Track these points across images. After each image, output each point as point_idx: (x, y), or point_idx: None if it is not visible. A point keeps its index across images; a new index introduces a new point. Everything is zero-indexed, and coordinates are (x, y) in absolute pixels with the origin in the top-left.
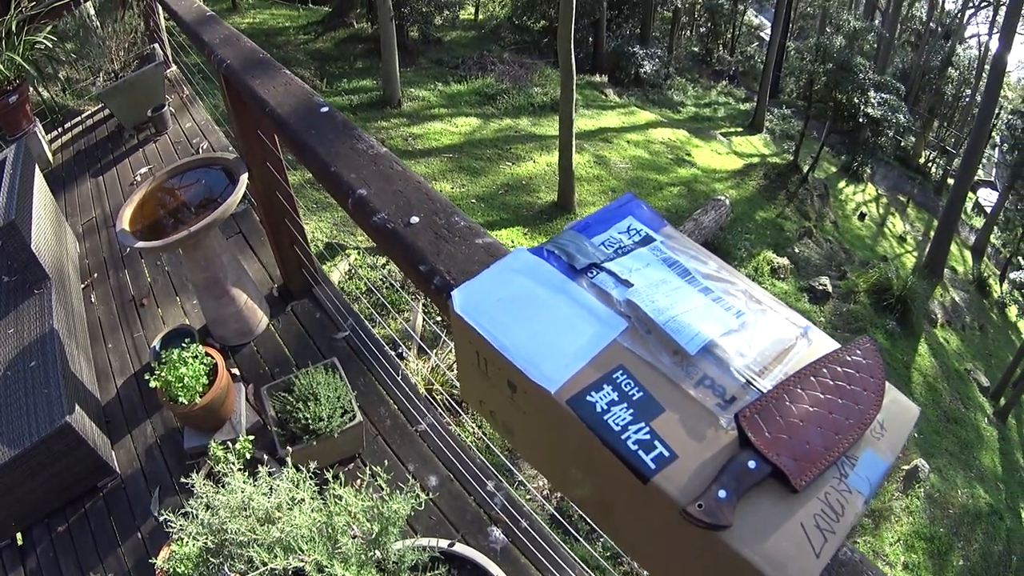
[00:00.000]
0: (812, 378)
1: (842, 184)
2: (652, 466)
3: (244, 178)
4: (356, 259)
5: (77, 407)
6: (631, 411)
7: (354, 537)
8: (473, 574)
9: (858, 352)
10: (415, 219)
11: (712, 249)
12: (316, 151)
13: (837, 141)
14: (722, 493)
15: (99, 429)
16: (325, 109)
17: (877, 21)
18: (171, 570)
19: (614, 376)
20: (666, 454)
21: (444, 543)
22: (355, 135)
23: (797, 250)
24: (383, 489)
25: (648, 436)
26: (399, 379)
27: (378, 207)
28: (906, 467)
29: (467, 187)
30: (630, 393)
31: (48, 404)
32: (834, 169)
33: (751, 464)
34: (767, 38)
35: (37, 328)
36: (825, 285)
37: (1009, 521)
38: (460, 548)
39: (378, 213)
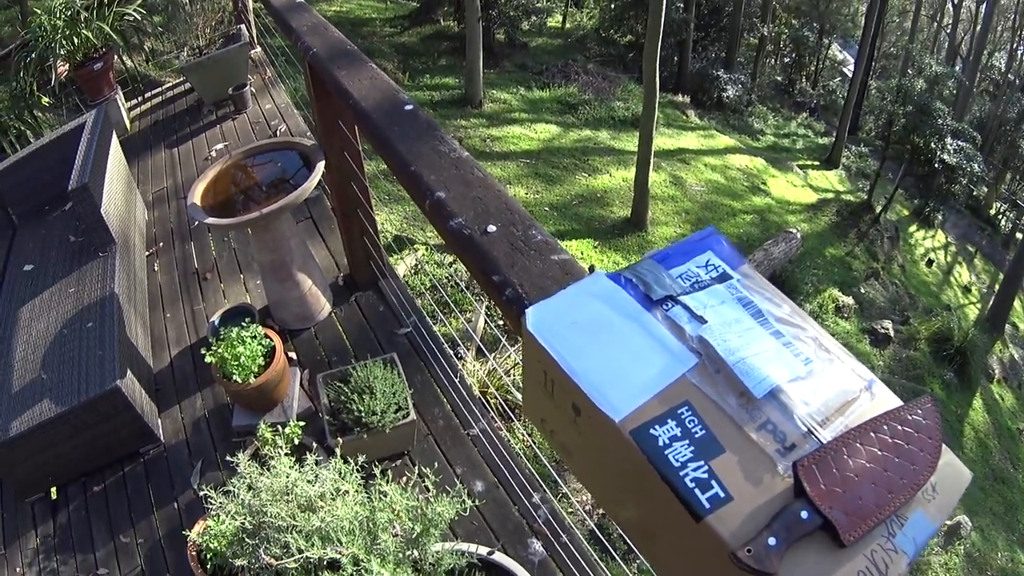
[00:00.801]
0: (872, 434)
1: (913, 228)
2: (707, 505)
3: (321, 165)
4: (424, 254)
5: (129, 372)
6: (692, 448)
7: (395, 535)
8: None
9: (919, 412)
10: (492, 228)
11: (780, 282)
12: (397, 148)
13: (911, 184)
14: (772, 541)
15: (148, 396)
16: (410, 107)
17: (958, 68)
18: (204, 545)
19: (679, 412)
20: (721, 495)
21: (484, 550)
22: (438, 136)
23: (863, 290)
24: (429, 490)
25: (706, 475)
26: (456, 380)
27: (456, 211)
28: (949, 523)
29: (541, 194)
30: (693, 430)
31: (101, 366)
32: (906, 212)
33: (804, 514)
34: (850, 74)
35: (98, 290)
36: (887, 329)
37: None
38: (499, 557)
39: (455, 218)
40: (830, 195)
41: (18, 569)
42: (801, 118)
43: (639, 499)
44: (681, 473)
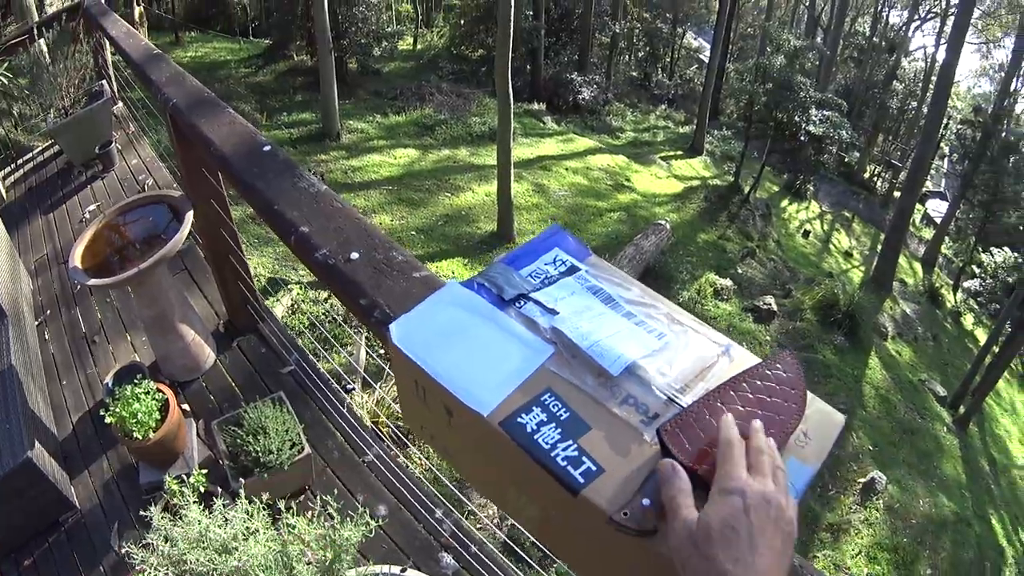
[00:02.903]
0: (732, 392)
1: (785, 203)
2: (581, 480)
3: (190, 215)
4: (299, 293)
5: (37, 443)
6: (559, 430)
7: (308, 563)
8: None
9: (778, 366)
10: (355, 255)
11: (654, 274)
12: (259, 189)
13: (779, 160)
14: (645, 501)
15: (58, 465)
16: (268, 148)
17: (819, 39)
18: None
19: (542, 399)
20: (593, 468)
21: (396, 569)
22: (296, 173)
23: (740, 271)
24: (333, 518)
25: (576, 452)
26: (345, 411)
27: (320, 244)
28: (862, 480)
29: (407, 219)
30: (558, 414)
31: (9, 440)
32: (776, 188)
33: None
34: (707, 60)
35: None
36: (770, 304)
37: (979, 528)
38: (412, 574)
39: (320, 249)
40: (696, 182)
41: None
42: (660, 111)
43: (524, 489)
44: (552, 454)
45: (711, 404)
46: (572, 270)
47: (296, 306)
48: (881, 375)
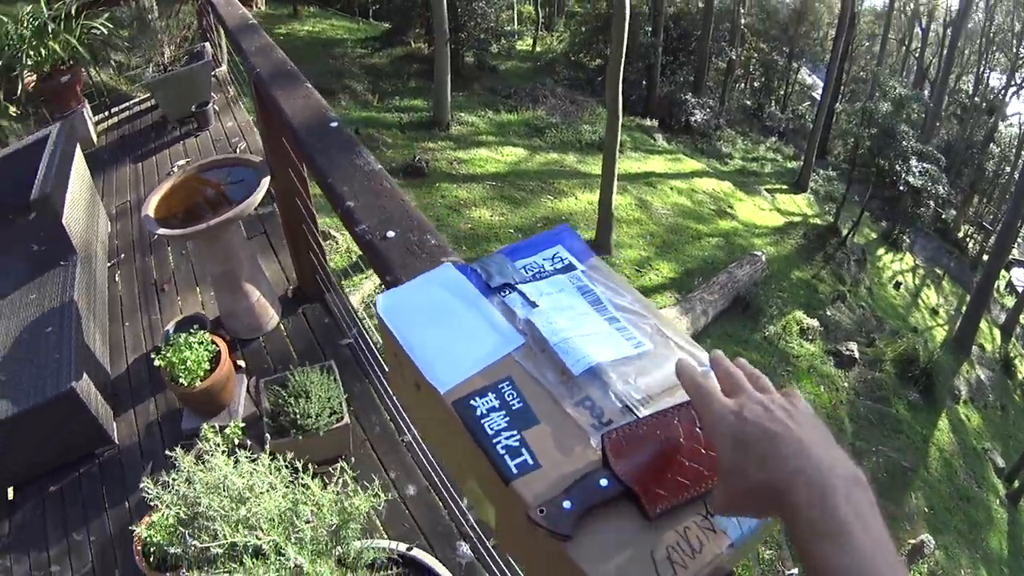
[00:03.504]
0: (692, 412)
1: (881, 251)
2: (514, 471)
3: (265, 181)
4: None
5: (85, 376)
6: (508, 419)
7: (308, 522)
8: None
9: None
10: (391, 233)
11: (744, 304)
12: (318, 161)
13: (878, 207)
14: (567, 504)
15: (104, 400)
16: (334, 124)
17: (926, 92)
18: (148, 538)
19: (500, 386)
20: (530, 462)
21: (403, 546)
22: (356, 151)
23: (829, 313)
24: (347, 486)
25: (517, 443)
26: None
27: (362, 219)
28: (912, 541)
29: (506, 216)
30: (511, 403)
31: (57, 369)
32: (874, 235)
33: (603, 482)
34: (818, 98)
35: (58, 298)
36: (852, 351)
37: None
38: (417, 553)
39: (360, 224)
40: (797, 218)
41: None
42: (770, 142)
43: (471, 470)
44: (494, 440)
45: (666, 420)
46: (568, 268)
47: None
48: (948, 438)
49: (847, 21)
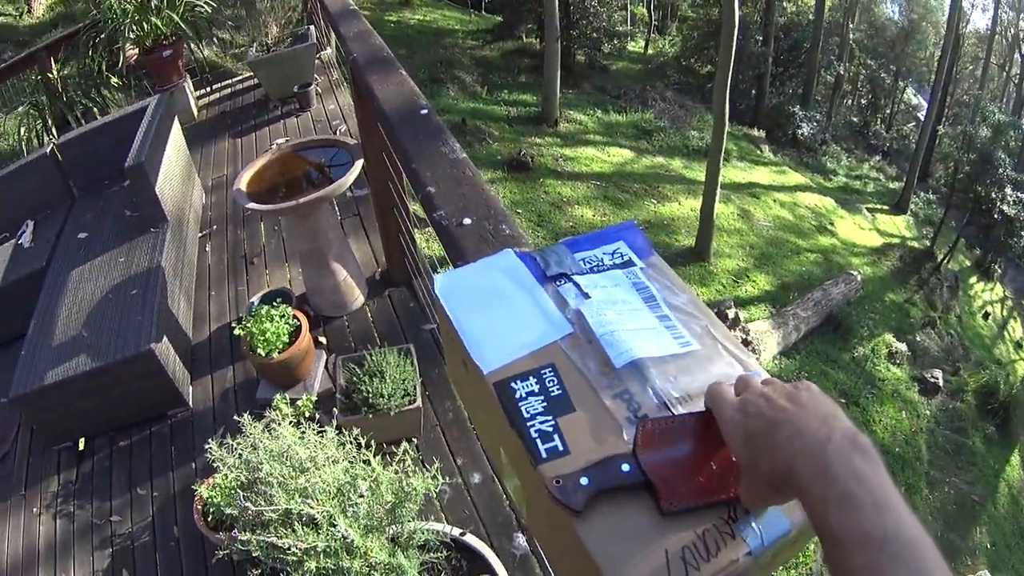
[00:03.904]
0: None
1: (973, 279)
2: (544, 455)
3: (359, 164)
4: None
5: (165, 339)
6: (545, 404)
7: (362, 496)
8: (482, 569)
9: None
10: (468, 220)
11: (836, 322)
12: (404, 146)
13: (973, 234)
14: (584, 480)
15: (182, 364)
16: (424, 112)
17: None
18: (210, 499)
19: (542, 372)
20: (560, 448)
21: (457, 531)
22: (443, 139)
23: (918, 338)
24: (410, 467)
25: (551, 429)
26: None
27: (440, 204)
28: None
29: (609, 217)
30: (550, 389)
31: (138, 330)
32: (968, 263)
33: (624, 467)
34: (923, 119)
35: (146, 262)
36: (937, 379)
37: None
38: (470, 539)
39: (439, 210)
40: (896, 240)
41: (35, 510)
42: (874, 161)
43: (507, 450)
44: (528, 424)
45: (703, 422)
46: (626, 264)
47: None
48: (1018, 474)
49: (952, 42)
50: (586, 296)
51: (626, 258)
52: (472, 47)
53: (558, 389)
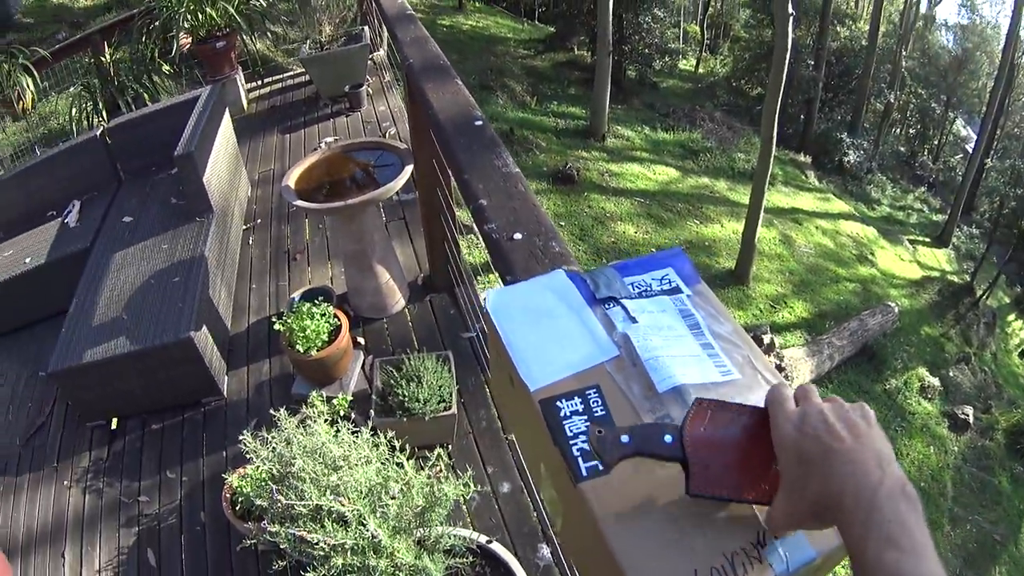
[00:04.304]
0: None
1: (1011, 316)
2: (584, 473)
3: (408, 169)
4: None
5: (204, 328)
6: (588, 424)
7: (393, 498)
8: None
9: None
10: (518, 235)
11: (871, 353)
12: (457, 156)
13: (1015, 271)
14: (625, 438)
15: (219, 353)
16: (479, 123)
17: None
18: (239, 488)
19: (587, 392)
20: (600, 468)
21: (483, 538)
22: (496, 151)
23: (951, 374)
24: (442, 472)
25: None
26: None
27: (491, 217)
28: None
29: (651, 235)
30: (594, 409)
31: (179, 317)
32: (1007, 300)
33: (668, 438)
34: (971, 151)
35: (189, 250)
36: (967, 415)
37: None
38: (496, 547)
39: (490, 223)
40: (935, 274)
41: (66, 483)
42: (919, 192)
43: (547, 466)
44: (571, 442)
45: (759, 418)
46: (674, 291)
47: None
48: None
49: (1006, 72)
50: (633, 320)
51: (674, 285)
52: (523, 56)
53: (602, 410)
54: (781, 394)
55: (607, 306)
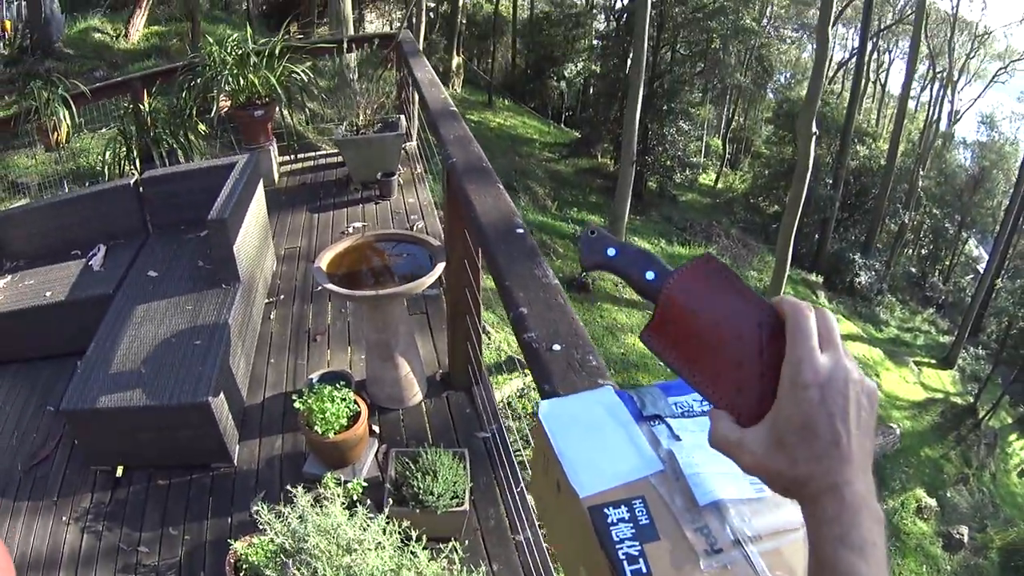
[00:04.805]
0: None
1: (1013, 436)
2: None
3: (440, 267)
4: (533, 383)
5: (222, 395)
6: (633, 531)
7: None
8: None
9: None
10: (557, 347)
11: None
12: (499, 263)
13: (1021, 391)
14: (612, 251)
15: (233, 422)
16: (520, 231)
17: None
18: (244, 556)
19: (633, 502)
20: (644, 570)
21: None
22: (536, 261)
23: (949, 495)
24: (455, 566)
25: (637, 553)
26: (516, 490)
27: (531, 326)
28: None
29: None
30: (639, 518)
31: (197, 380)
32: (1010, 420)
33: (649, 275)
34: (982, 271)
35: (213, 316)
36: (962, 535)
37: None
38: None
39: (530, 331)
40: (939, 395)
41: (64, 519)
42: (927, 313)
43: (590, 570)
44: (617, 547)
45: (752, 308)
46: None
47: (524, 392)
48: None
49: (1020, 193)
50: (677, 438)
51: None
52: (548, 159)
53: (646, 519)
54: (807, 321)
55: (652, 423)
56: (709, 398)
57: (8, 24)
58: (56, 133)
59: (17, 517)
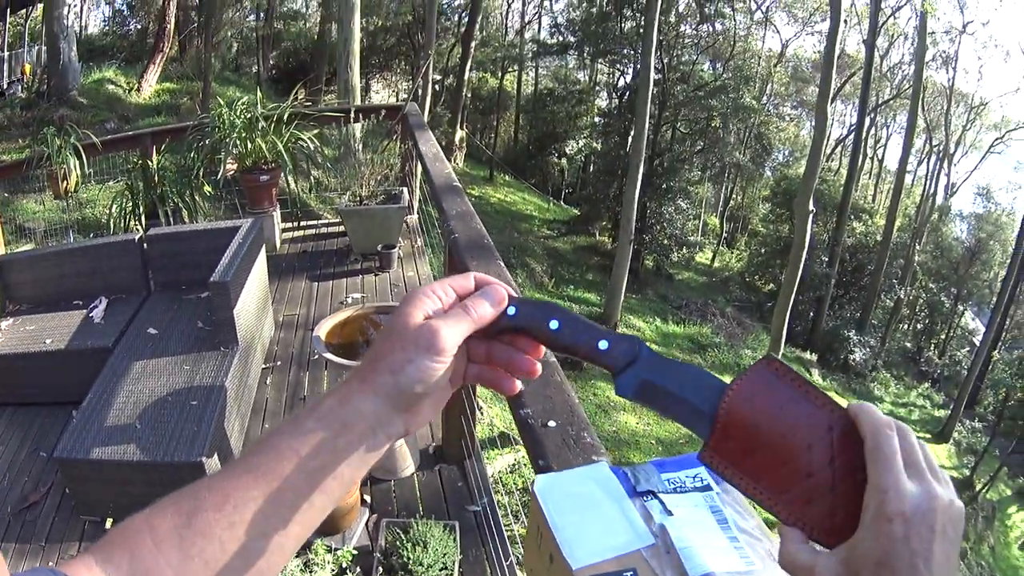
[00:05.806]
0: (852, 443)
1: (1012, 509)
2: None
3: None
4: (524, 458)
5: (215, 456)
6: None
7: None
8: None
9: None
10: (552, 423)
11: None
12: None
13: (1019, 463)
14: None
15: None
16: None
17: None
18: None
19: (624, 574)
20: None
21: None
22: None
23: None
24: None
25: None
26: (505, 564)
27: (528, 403)
28: None
29: (652, 427)
30: None
31: (192, 440)
32: (1009, 492)
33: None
34: (978, 343)
35: (210, 377)
36: None
37: None
38: None
39: (526, 407)
40: None
41: (51, 564)
42: (922, 388)
43: None
44: None
45: (823, 414)
46: (705, 488)
47: (516, 468)
48: None
49: (1018, 263)
50: (669, 513)
51: (706, 483)
52: (546, 236)
53: None
54: (889, 443)
55: (646, 498)
56: (777, 514)
57: (28, 68)
58: (65, 181)
59: (3, 558)
